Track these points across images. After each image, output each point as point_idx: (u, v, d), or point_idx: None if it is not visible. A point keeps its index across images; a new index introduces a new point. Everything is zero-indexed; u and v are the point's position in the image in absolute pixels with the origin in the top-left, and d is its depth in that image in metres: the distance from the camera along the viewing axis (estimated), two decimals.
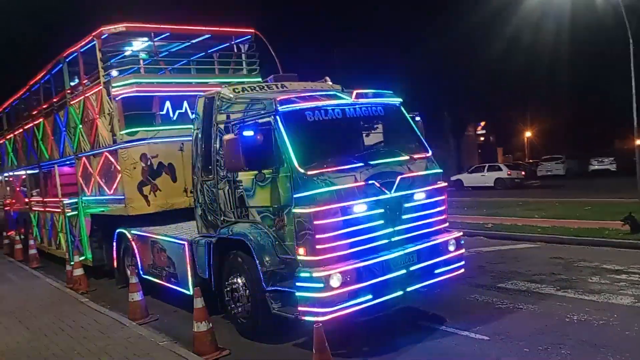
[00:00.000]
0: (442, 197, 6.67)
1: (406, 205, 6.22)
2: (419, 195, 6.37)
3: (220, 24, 10.01)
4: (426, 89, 31.30)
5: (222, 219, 6.80)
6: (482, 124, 49.68)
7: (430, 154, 6.79)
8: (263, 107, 6.16)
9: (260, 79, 9.67)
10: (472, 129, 48.48)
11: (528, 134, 51.65)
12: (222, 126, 6.71)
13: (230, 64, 10.26)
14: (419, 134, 6.97)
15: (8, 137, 16.87)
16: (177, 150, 8.91)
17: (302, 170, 5.66)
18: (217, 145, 6.76)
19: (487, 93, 37.30)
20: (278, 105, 5.96)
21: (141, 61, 9.75)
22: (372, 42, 30.36)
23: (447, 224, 6.79)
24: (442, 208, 6.67)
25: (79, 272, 10.04)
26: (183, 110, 9.12)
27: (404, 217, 6.20)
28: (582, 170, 36.21)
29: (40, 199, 14.01)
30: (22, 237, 15.54)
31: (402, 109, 7.03)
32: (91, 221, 10.53)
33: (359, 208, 5.81)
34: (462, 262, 6.73)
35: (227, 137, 6.03)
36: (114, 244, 9.75)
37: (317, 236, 5.55)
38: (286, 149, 5.78)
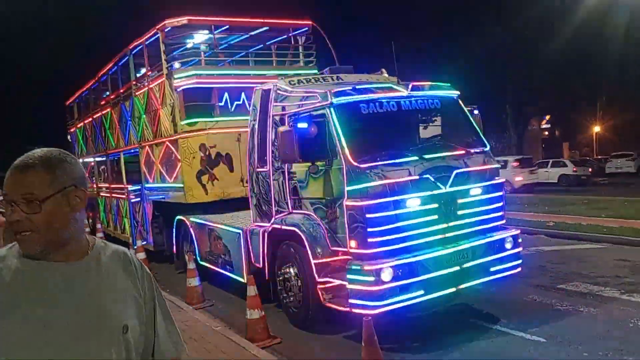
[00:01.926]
0: (500, 193, 6.49)
1: (461, 200, 6.09)
2: (475, 191, 6.22)
3: (277, 16, 10.11)
4: (487, 81, 30.36)
5: (275, 209, 6.90)
6: (547, 117, 47.64)
7: (487, 148, 6.61)
8: (317, 99, 6.17)
9: (317, 71, 9.70)
10: (536, 123, 46.59)
11: (597, 128, 49.11)
12: (277, 118, 6.80)
13: (287, 55, 10.35)
14: (476, 127, 6.79)
15: (79, 125, 17.77)
16: (234, 140, 9.10)
17: (354, 163, 5.65)
18: (273, 137, 6.85)
19: (554, 85, 35.67)
20: (332, 98, 5.97)
21: (202, 53, 10.00)
22: (432, 32, 29.66)
23: (504, 221, 6.60)
24: (499, 204, 6.48)
25: (141, 255, 10.45)
26: (241, 102, 9.30)
27: (459, 212, 6.07)
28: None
29: (107, 185, 14.69)
30: (91, 221, 16.38)
31: (460, 101, 6.87)
32: (152, 207, 10.96)
33: (412, 202, 5.74)
34: (519, 261, 6.53)
35: (281, 128, 6.10)
36: (174, 230, 10.10)
37: (369, 229, 5.54)
38: (339, 141, 5.79)
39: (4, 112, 33.15)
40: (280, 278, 6.79)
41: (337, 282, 5.92)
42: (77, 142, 18.21)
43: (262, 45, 10.63)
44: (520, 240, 6.56)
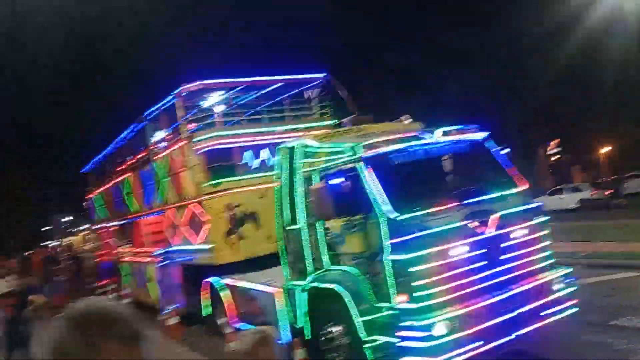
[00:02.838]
0: (544, 232, 6.31)
1: (505, 244, 5.92)
2: (518, 233, 6.05)
3: (293, 65, 10.22)
4: (489, 113, 30.36)
5: (312, 266, 6.74)
6: (553, 142, 47.22)
7: (525, 187, 6.47)
8: (346, 154, 6.12)
9: (333, 122, 9.75)
10: (542, 150, 46.25)
11: (605, 149, 48.38)
12: (306, 175, 6.73)
13: (302, 110, 10.39)
14: (509, 167, 6.68)
15: (96, 192, 17.86)
16: (258, 198, 9.04)
17: (393, 215, 5.53)
18: (302, 193, 6.77)
19: (559, 109, 35.56)
20: (361, 152, 5.91)
21: (219, 115, 10.08)
22: (434, 70, 29.92)
23: (552, 260, 6.39)
24: (546, 244, 6.30)
25: (173, 320, 10.28)
26: (261, 159, 9.29)
27: (505, 256, 5.90)
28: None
29: (129, 250, 14.61)
30: (114, 286, 16.22)
31: (489, 142, 6.79)
32: (180, 270, 10.82)
33: (457, 250, 5.59)
34: (573, 301, 6.27)
35: (314, 186, 6.03)
36: (203, 292, 9.91)
37: (416, 282, 5.36)
38: (374, 194, 5.69)
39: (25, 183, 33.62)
40: (324, 338, 6.57)
41: (386, 339, 5.69)
42: (95, 208, 18.26)
43: (276, 101, 10.71)
44: (572, 279, 6.33)
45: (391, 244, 5.52)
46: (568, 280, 6.31)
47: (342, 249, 6.28)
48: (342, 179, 5.87)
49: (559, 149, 48.16)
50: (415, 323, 5.28)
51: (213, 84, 9.46)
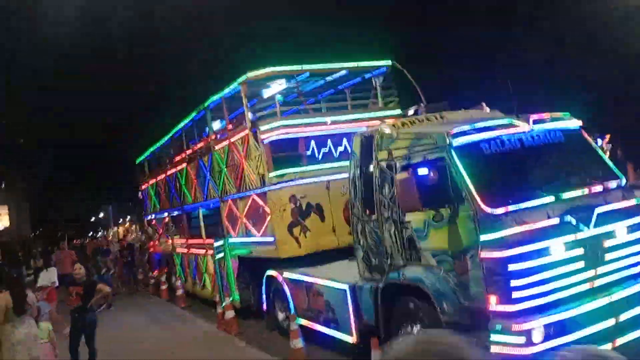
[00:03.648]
0: None
1: (608, 243, 5.40)
2: (622, 231, 5.51)
3: (358, 54, 9.86)
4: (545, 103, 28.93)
5: (389, 262, 6.38)
6: (607, 136, 45.04)
7: (624, 181, 5.92)
8: (433, 141, 5.72)
9: (400, 111, 9.33)
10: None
11: None
12: (384, 164, 6.36)
13: (367, 98, 10.01)
14: (606, 159, 6.13)
15: (151, 182, 17.99)
16: (324, 189, 8.76)
17: (488, 209, 5.11)
18: (379, 184, 6.40)
19: (612, 100, 33.56)
20: (452, 139, 5.50)
21: (281, 104, 9.81)
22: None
23: None
24: None
25: (230, 314, 10.12)
26: (327, 150, 8.99)
27: (607, 257, 5.38)
28: None
29: (184, 241, 14.59)
30: (167, 277, 16.29)
31: (583, 132, 6.25)
32: (238, 263, 10.65)
33: (556, 249, 5.11)
34: None
35: (399, 176, 5.65)
36: (263, 286, 9.70)
37: (513, 283, 4.93)
38: (466, 186, 5.27)
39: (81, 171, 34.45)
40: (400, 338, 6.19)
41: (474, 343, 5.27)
42: (150, 199, 18.41)
43: (339, 89, 10.38)
44: None
45: (484, 240, 5.09)
46: None
47: (424, 244, 5.88)
48: (429, 169, 5.47)
49: (609, 145, 45.84)
50: (511, 327, 4.85)
51: (278, 71, 9.18)
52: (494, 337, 4.97)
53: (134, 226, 46.46)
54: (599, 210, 5.40)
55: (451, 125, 5.97)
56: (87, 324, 7.87)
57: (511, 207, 5.15)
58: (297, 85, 9.71)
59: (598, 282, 5.32)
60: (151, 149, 16.92)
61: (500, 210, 5.10)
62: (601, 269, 5.34)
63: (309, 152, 8.87)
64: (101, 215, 59.39)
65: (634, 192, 5.87)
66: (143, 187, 19.21)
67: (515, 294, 4.95)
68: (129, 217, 53.77)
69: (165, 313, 12.87)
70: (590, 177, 5.84)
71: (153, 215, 18.38)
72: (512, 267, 4.94)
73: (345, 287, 7.10)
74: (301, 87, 10.02)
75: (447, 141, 5.51)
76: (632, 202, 5.73)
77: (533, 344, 4.80)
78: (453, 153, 5.45)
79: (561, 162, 6.09)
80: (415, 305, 5.96)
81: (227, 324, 10.12)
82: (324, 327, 7.83)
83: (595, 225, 5.33)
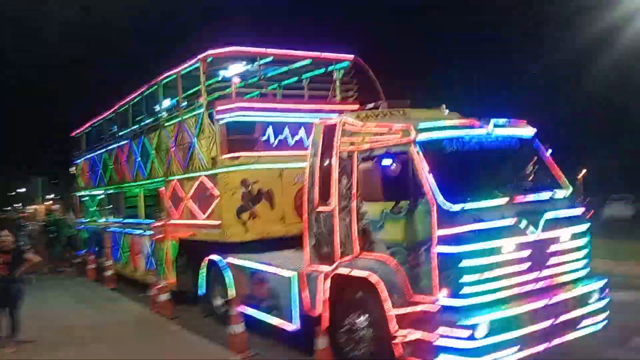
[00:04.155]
0: (586, 240, 6.07)
1: (552, 248, 5.65)
2: (565, 237, 5.79)
3: (320, 49, 9.81)
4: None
5: (340, 251, 6.37)
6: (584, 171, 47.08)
7: (570, 191, 6.22)
8: (398, 135, 5.77)
9: (358, 106, 9.38)
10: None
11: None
12: (345, 154, 6.36)
13: (327, 90, 10.00)
14: (556, 168, 6.42)
15: (87, 157, 17.17)
16: (276, 176, 8.66)
17: (446, 204, 5.21)
18: (339, 173, 6.39)
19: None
20: (417, 133, 5.57)
21: (238, 86, 9.63)
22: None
23: (589, 269, 6.16)
24: (586, 251, 6.06)
25: (165, 296, 9.82)
26: (283, 137, 8.89)
27: (550, 261, 5.63)
28: None
29: (119, 220, 14.02)
30: (95, 257, 15.59)
31: (538, 140, 6.52)
32: (179, 245, 10.34)
33: (507, 249, 5.29)
34: (607, 313, 6.06)
35: (363, 165, 5.67)
36: (204, 270, 9.46)
37: (464, 279, 5.05)
38: (427, 180, 5.35)
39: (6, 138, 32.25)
40: (345, 328, 6.21)
41: (419, 335, 5.36)
42: (83, 175, 17.57)
43: (301, 78, 10.30)
44: (607, 290, 6.10)
45: (440, 234, 5.19)
46: (604, 292, 6.09)
47: (379, 236, 5.93)
48: (393, 161, 5.51)
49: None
50: (458, 321, 4.97)
51: (241, 52, 8.98)
52: (441, 330, 5.06)
53: (57, 205, 44.03)
54: (547, 215, 5.64)
55: (415, 121, 6.06)
56: (14, 294, 7.38)
57: (468, 205, 5.28)
58: (259, 69, 9.54)
59: (540, 285, 5.55)
60: (91, 122, 16.14)
61: (458, 207, 5.22)
62: (544, 272, 5.58)
63: (264, 138, 8.73)
64: (24, 189, 56.07)
65: (575, 203, 6.18)
66: (77, 161, 18.31)
67: (465, 290, 5.08)
68: (52, 195, 51.06)
69: (93, 294, 12.31)
70: (541, 183, 6.09)
71: (86, 192, 17.54)
72: (464, 263, 5.06)
73: (293, 274, 7.04)
74: (265, 71, 9.86)
75: (412, 135, 5.57)
76: (576, 211, 6.03)
77: (478, 338, 4.93)
78: (417, 147, 5.52)
79: (515, 167, 6.33)
80: (363, 295, 5.98)
81: (161, 306, 9.81)
82: (265, 314, 7.73)
83: (543, 230, 5.57)
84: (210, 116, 8.86)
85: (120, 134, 13.76)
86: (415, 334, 5.40)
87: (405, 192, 5.52)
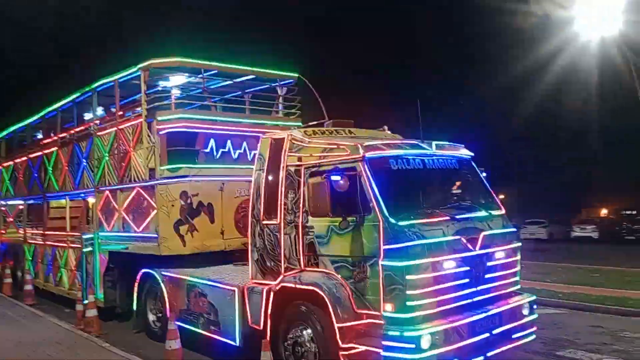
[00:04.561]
0: (517, 258, 6.45)
1: (488, 264, 5.97)
2: (499, 254, 6.14)
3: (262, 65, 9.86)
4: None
5: (284, 266, 6.38)
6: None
7: (502, 211, 6.60)
8: (346, 152, 5.91)
9: (300, 123, 9.49)
10: None
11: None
12: (292, 168, 6.41)
13: (270, 106, 10.02)
14: (490, 190, 6.80)
15: (5, 164, 16.12)
16: (217, 190, 8.54)
17: (393, 220, 5.38)
18: (285, 188, 6.43)
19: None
20: (365, 152, 5.73)
21: (178, 97, 9.45)
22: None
23: (519, 286, 6.53)
24: (517, 269, 6.43)
25: (92, 312, 9.33)
26: (226, 150, 8.80)
27: (487, 276, 5.94)
28: (564, 236, 36.53)
29: (41, 232, 13.22)
30: (11, 270, 14.56)
31: (473, 163, 6.88)
32: (108, 259, 9.90)
33: (448, 264, 5.53)
34: (534, 328, 6.44)
35: (312, 180, 5.75)
36: (135, 285, 9.12)
37: (409, 292, 5.22)
38: (374, 197, 5.51)
39: None
40: (289, 342, 6.20)
41: (364, 348, 5.46)
42: (2, 182, 16.45)
43: (245, 92, 10.28)
44: (535, 306, 6.49)
45: (386, 249, 5.34)
46: (533, 307, 6.47)
47: (324, 250, 6.00)
48: (341, 177, 5.62)
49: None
50: (403, 333, 5.11)
51: (185, 62, 8.84)
52: (386, 343, 5.18)
53: None
54: (484, 233, 5.95)
55: (362, 139, 6.23)
56: None
57: (413, 221, 5.48)
58: (204, 81, 9.43)
59: (477, 299, 5.83)
60: (13, 127, 15.19)
61: (404, 223, 5.40)
62: (481, 287, 5.86)
63: (207, 150, 8.60)
64: None
65: (509, 222, 6.56)
66: None
67: (410, 303, 5.24)
68: None
69: (10, 310, 11.43)
70: (477, 203, 6.42)
71: (3, 202, 16.42)
72: (409, 277, 5.23)
73: (234, 288, 6.95)
74: (208, 83, 9.74)
75: (361, 152, 5.73)
76: (509, 230, 6.41)
77: (422, 350, 5.09)
78: (365, 165, 5.67)
79: (455, 187, 6.63)
80: (307, 309, 6.02)
81: (87, 323, 9.32)
82: (203, 330, 7.55)
83: (481, 247, 5.87)
84: (150, 126, 8.63)
85: (47, 141, 13.06)
86: (360, 347, 5.50)
87: (352, 207, 5.64)
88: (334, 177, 5.58)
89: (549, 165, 39.93)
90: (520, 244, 6.52)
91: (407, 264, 5.22)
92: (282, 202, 6.42)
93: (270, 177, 6.67)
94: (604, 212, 43.43)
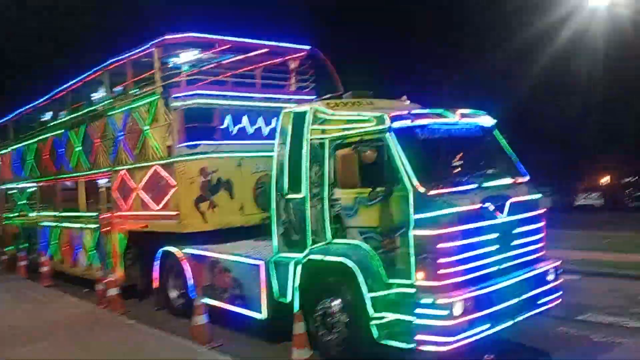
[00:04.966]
0: (543, 224, 6.47)
1: (515, 230, 5.99)
2: (526, 221, 6.15)
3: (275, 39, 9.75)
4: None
5: (312, 238, 6.42)
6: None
7: (527, 178, 6.60)
8: (372, 123, 5.88)
9: (315, 97, 9.43)
10: None
11: None
12: (316, 142, 6.40)
13: (284, 80, 9.95)
14: (515, 156, 6.78)
15: (14, 147, 16.09)
16: (235, 166, 8.54)
17: (422, 190, 5.38)
18: (310, 161, 6.42)
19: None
20: (391, 122, 5.71)
21: (193, 72, 9.37)
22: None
23: (545, 252, 6.57)
24: (543, 235, 6.46)
25: (113, 291, 9.44)
26: (242, 125, 8.78)
27: (514, 242, 5.97)
28: (568, 203, 36.59)
29: (56, 214, 13.26)
30: (26, 253, 14.66)
31: (497, 130, 6.86)
32: (127, 238, 9.96)
33: (477, 232, 5.55)
34: (560, 292, 6.50)
35: (341, 152, 5.74)
36: (157, 263, 9.19)
37: (440, 260, 5.26)
38: (403, 167, 5.51)
39: None
40: (319, 313, 6.27)
41: (397, 316, 5.53)
42: (8, 167, 16.45)
43: (257, 67, 10.18)
44: (560, 271, 6.54)
45: (417, 218, 5.36)
46: (557, 272, 6.52)
47: (352, 222, 6.02)
48: (369, 148, 5.61)
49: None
50: (436, 301, 5.16)
51: (198, 38, 8.75)
52: (419, 310, 5.24)
53: None
54: (511, 200, 5.97)
55: (386, 110, 6.19)
56: None
57: (442, 190, 5.49)
58: (217, 56, 9.34)
59: (505, 265, 5.87)
60: (22, 110, 15.12)
61: (433, 192, 5.41)
62: (509, 253, 5.90)
63: (223, 126, 8.58)
64: None
65: (534, 189, 6.57)
66: (2, 152, 17.10)
67: (441, 271, 5.28)
68: None
69: (30, 291, 11.57)
70: (503, 170, 6.42)
71: (14, 185, 16.43)
72: (440, 245, 5.26)
73: (260, 262, 6.99)
74: (221, 58, 9.65)
75: (387, 123, 5.70)
76: (535, 196, 6.41)
77: (455, 317, 5.15)
78: (392, 135, 5.65)
79: (479, 155, 6.62)
80: (336, 280, 6.07)
81: (109, 302, 9.42)
82: (228, 305, 7.64)
83: (508, 214, 5.89)
84: (166, 103, 8.59)
85: (57, 122, 13.01)
86: (391, 316, 5.56)
87: (380, 178, 5.64)
88: (361, 148, 5.56)
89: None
90: (544, 210, 6.52)
91: (438, 233, 5.25)
92: (307, 176, 6.42)
93: (293, 151, 6.65)
94: (604, 179, 43.49)
